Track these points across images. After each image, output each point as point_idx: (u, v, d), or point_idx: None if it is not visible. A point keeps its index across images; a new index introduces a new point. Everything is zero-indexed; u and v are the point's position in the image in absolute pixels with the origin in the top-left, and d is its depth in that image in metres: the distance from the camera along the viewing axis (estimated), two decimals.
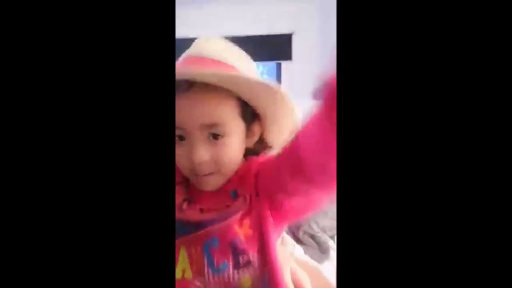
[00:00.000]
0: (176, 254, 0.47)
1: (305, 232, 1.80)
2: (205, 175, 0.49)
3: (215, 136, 0.47)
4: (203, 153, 0.46)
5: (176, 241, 0.46)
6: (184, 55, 0.52)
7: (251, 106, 0.50)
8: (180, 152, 0.47)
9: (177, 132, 0.47)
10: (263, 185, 0.49)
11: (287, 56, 2.37)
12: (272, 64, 2.46)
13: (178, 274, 0.47)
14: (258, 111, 0.52)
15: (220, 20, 2.19)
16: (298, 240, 1.72)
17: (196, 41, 0.53)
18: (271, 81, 0.48)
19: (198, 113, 0.45)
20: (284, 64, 2.41)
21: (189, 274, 0.47)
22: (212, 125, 0.46)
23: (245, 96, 0.49)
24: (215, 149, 0.47)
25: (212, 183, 0.50)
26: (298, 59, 2.34)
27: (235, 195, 0.49)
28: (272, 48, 2.34)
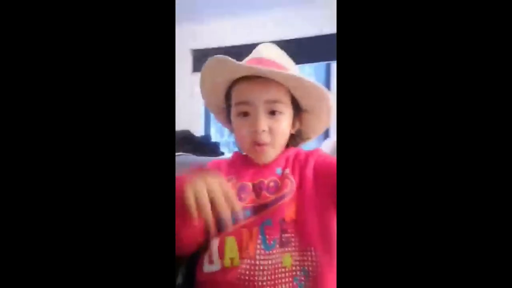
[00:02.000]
0: (221, 246, 0.57)
1: None
2: (263, 144, 0.63)
3: (273, 112, 0.63)
4: (264, 124, 0.62)
5: (227, 231, 0.55)
6: (249, 57, 0.70)
7: (296, 99, 0.65)
8: (245, 125, 0.64)
9: (244, 109, 0.63)
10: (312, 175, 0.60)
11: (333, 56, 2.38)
12: (321, 64, 2.54)
13: (226, 263, 0.56)
14: (301, 104, 0.67)
15: (275, 25, 2.52)
16: None
17: (257, 47, 0.71)
18: (315, 80, 0.62)
19: (264, 92, 0.62)
20: (333, 64, 2.46)
21: (237, 262, 0.56)
22: (274, 101, 0.63)
23: (292, 89, 0.63)
24: (272, 121, 0.63)
25: (267, 154, 0.65)
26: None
27: (280, 172, 0.64)
28: (318, 49, 2.39)
